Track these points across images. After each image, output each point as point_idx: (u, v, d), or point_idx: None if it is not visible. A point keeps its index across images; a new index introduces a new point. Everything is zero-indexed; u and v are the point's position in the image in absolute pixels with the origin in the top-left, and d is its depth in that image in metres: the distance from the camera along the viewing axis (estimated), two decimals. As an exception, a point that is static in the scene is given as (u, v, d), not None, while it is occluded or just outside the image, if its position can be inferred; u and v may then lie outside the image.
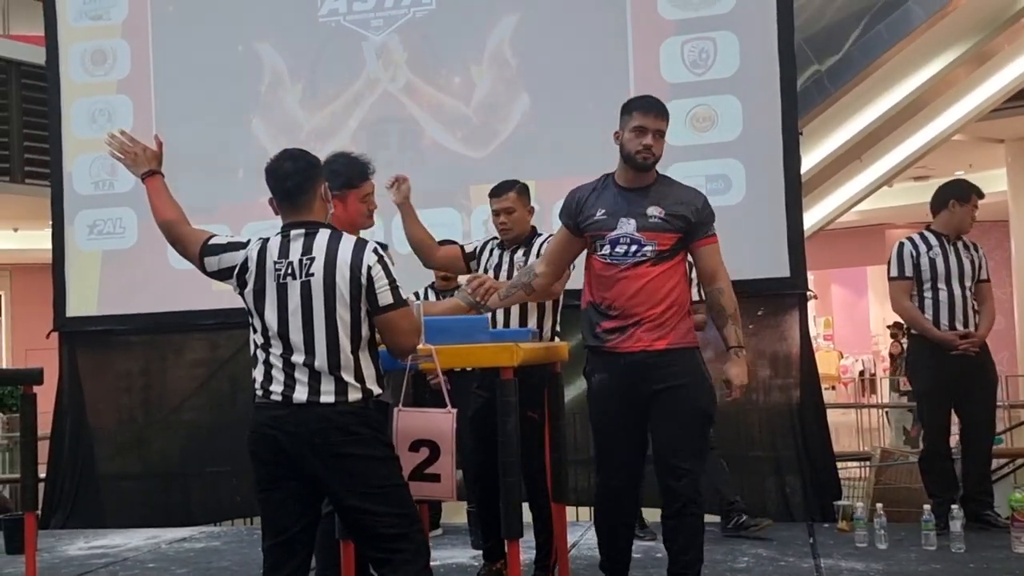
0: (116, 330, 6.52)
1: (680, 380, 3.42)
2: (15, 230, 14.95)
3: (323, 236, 2.91)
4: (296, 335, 2.85)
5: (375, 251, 2.90)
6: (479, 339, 3.32)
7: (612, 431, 3.52)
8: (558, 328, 4.15)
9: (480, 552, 4.40)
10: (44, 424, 5.59)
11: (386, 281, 2.87)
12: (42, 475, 6.04)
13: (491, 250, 4.26)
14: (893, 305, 5.03)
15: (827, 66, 7.67)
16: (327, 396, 2.83)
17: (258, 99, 6.28)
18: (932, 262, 4.89)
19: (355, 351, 2.86)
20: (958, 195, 4.98)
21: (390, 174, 4.13)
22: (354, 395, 2.85)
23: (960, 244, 4.96)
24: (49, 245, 6.59)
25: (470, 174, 5.91)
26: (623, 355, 3.44)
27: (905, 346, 5.46)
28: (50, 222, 6.61)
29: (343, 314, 2.84)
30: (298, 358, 2.85)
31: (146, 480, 6.51)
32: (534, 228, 4.25)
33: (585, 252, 3.63)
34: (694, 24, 5.68)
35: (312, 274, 2.85)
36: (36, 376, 4.20)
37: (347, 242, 2.90)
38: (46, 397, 5.03)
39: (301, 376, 2.84)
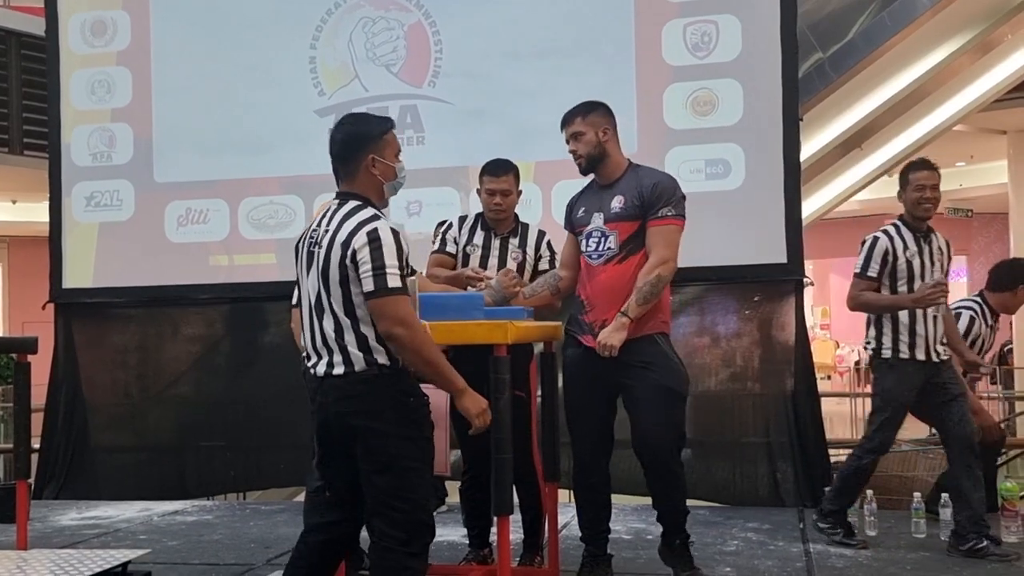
0: (112, 303, 6.52)
1: (645, 361, 3.57)
2: (13, 202, 14.92)
3: (345, 208, 2.88)
4: (315, 307, 2.87)
5: (370, 232, 2.79)
6: (474, 316, 3.32)
7: (575, 403, 3.73)
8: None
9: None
10: (39, 396, 5.59)
11: (370, 266, 2.77)
12: (36, 446, 6.06)
13: (470, 230, 4.17)
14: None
15: (830, 53, 7.64)
16: (338, 368, 2.83)
17: (259, 74, 6.24)
18: None
19: (355, 325, 2.81)
20: None
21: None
22: (360, 365, 2.81)
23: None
24: (47, 217, 6.58)
25: (470, 154, 5.90)
26: (592, 348, 3.61)
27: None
28: (48, 194, 6.60)
29: (336, 293, 2.83)
30: (316, 327, 2.86)
31: (140, 453, 6.53)
32: (516, 214, 4.22)
33: None
34: (697, 7, 5.66)
35: (321, 245, 2.86)
36: (31, 345, 4.20)
37: (353, 219, 2.84)
38: (42, 369, 5.03)
39: (320, 348, 2.86)
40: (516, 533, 3.95)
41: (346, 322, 2.81)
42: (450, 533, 4.85)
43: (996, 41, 8.86)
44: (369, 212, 2.87)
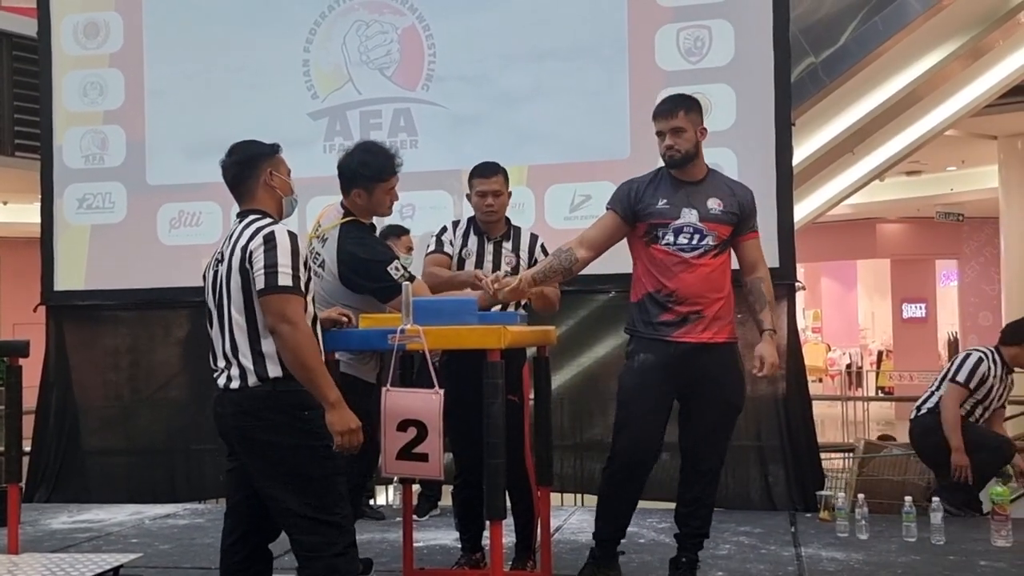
0: (103, 305, 6.49)
1: (719, 376, 3.64)
2: (4, 203, 14.86)
3: (245, 221, 2.98)
4: (215, 322, 2.95)
5: (266, 235, 2.87)
6: (467, 321, 3.32)
7: (642, 405, 3.66)
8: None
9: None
10: (30, 399, 5.57)
11: (263, 264, 2.84)
12: (27, 449, 6.04)
13: (463, 235, 4.10)
14: None
15: (822, 58, 7.66)
16: (234, 382, 2.90)
17: (252, 76, 6.23)
18: None
19: (253, 336, 2.87)
20: None
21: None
22: (252, 380, 2.86)
23: None
24: (39, 219, 6.55)
25: (463, 158, 5.89)
26: (679, 344, 3.60)
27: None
28: (40, 195, 6.58)
29: (237, 299, 2.89)
30: (217, 344, 2.95)
31: (131, 456, 6.50)
32: (507, 217, 4.19)
33: (627, 242, 3.77)
34: (690, 12, 5.67)
35: (223, 260, 2.94)
36: (22, 348, 4.19)
37: (252, 227, 2.93)
38: (33, 372, 5.01)
39: (221, 362, 2.94)
40: (508, 537, 3.94)
41: (244, 329, 2.87)
42: (442, 537, 4.85)
43: (987, 47, 8.89)
44: (268, 220, 2.97)
